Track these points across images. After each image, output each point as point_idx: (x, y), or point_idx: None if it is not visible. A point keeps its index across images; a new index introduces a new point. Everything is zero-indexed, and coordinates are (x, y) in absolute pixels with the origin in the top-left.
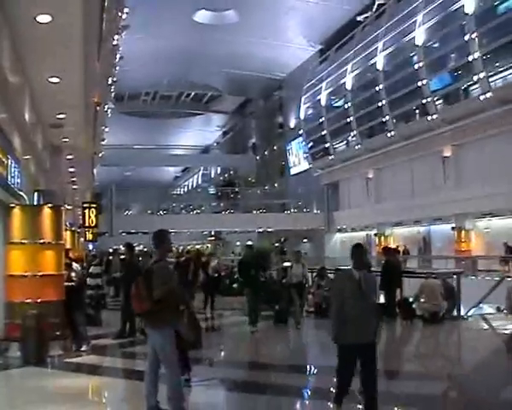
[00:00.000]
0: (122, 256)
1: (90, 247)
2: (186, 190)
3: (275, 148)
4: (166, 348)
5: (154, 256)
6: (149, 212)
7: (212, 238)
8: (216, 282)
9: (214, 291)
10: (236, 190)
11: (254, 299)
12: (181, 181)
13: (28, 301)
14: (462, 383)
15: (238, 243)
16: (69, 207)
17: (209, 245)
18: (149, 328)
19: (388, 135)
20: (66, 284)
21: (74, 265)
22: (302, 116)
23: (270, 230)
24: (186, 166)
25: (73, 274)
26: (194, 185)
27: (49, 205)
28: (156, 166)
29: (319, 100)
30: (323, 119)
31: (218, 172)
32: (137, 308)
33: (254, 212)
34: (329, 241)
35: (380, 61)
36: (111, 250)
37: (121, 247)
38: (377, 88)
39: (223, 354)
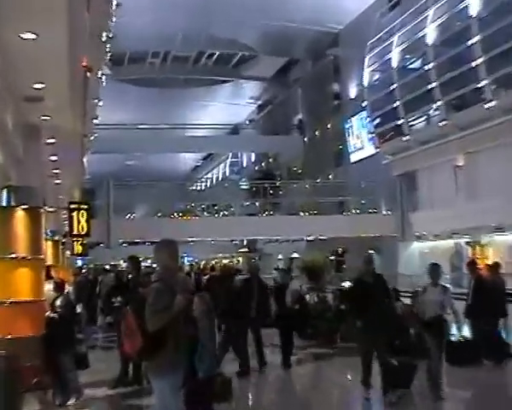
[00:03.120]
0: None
1: (79, 263)
2: (209, 184)
3: (329, 126)
4: (166, 401)
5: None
6: (159, 215)
7: (245, 250)
8: (298, 315)
9: (293, 331)
10: (277, 184)
11: (381, 343)
12: (202, 172)
13: None
14: None
15: (280, 257)
16: (51, 210)
17: (240, 259)
18: (149, 373)
19: (485, 106)
20: (49, 314)
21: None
22: (366, 83)
23: (322, 238)
24: (209, 153)
25: (59, 302)
26: (220, 178)
27: (24, 207)
28: (169, 152)
29: (389, 60)
30: (395, 86)
31: (253, 159)
32: (128, 348)
33: (302, 214)
34: (404, 252)
35: (474, 4)
36: (107, 267)
37: (122, 262)
38: (470, 42)
39: None
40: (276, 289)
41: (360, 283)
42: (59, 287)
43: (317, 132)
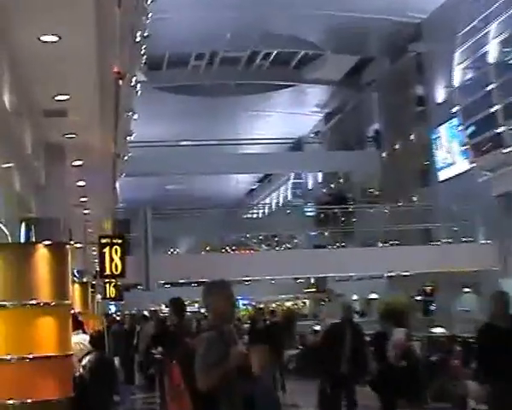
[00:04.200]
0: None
1: (113, 308)
2: (267, 211)
3: (411, 138)
4: None
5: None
6: (208, 249)
7: (313, 290)
8: (405, 376)
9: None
10: (350, 209)
11: None
12: (258, 197)
13: (11, 402)
14: None
15: (355, 297)
16: (78, 246)
17: (307, 301)
18: None
19: None
20: (76, 373)
21: None
22: (456, 83)
23: (406, 274)
24: (266, 173)
25: (85, 361)
26: (281, 203)
27: (46, 243)
28: (217, 173)
29: (485, 54)
30: (493, 86)
31: (319, 180)
32: None
33: (380, 245)
34: (508, 289)
35: None
36: (146, 313)
37: (164, 307)
38: None
39: None
40: (375, 339)
41: (490, 329)
42: (95, 341)
43: (397, 146)
